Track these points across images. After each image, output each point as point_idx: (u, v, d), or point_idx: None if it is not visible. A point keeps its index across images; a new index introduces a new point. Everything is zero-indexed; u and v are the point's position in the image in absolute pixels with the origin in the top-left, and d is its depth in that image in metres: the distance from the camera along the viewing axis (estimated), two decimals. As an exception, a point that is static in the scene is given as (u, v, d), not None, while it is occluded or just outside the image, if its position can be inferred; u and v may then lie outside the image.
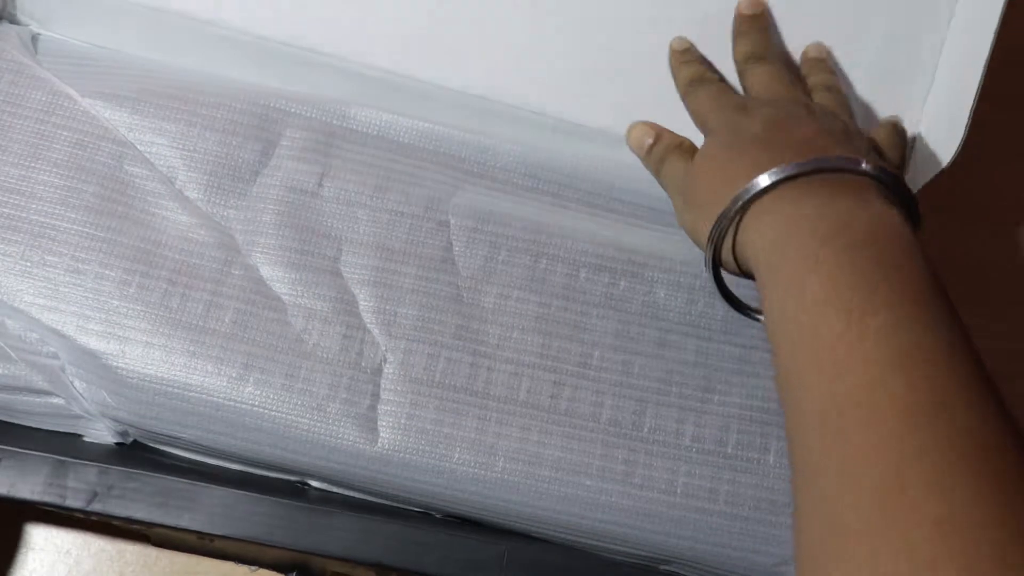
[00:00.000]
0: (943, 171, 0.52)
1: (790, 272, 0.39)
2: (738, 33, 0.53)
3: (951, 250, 0.59)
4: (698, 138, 0.51)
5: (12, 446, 0.46)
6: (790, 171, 0.41)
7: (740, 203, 0.43)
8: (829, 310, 0.37)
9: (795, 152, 0.42)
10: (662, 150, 0.51)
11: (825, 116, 0.46)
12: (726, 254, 0.45)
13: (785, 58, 0.53)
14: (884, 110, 0.55)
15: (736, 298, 0.48)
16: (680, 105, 0.53)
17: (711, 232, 0.44)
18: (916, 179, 0.54)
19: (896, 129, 0.52)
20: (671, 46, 0.54)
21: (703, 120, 0.50)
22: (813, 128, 0.44)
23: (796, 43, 0.54)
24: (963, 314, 0.58)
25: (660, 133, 0.51)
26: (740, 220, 0.43)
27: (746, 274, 0.45)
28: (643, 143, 0.52)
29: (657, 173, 0.51)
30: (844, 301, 0.37)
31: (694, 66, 0.53)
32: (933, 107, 0.55)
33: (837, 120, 0.46)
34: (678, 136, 0.51)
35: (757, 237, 0.42)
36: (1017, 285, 0.59)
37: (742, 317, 0.51)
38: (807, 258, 0.39)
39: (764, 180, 0.42)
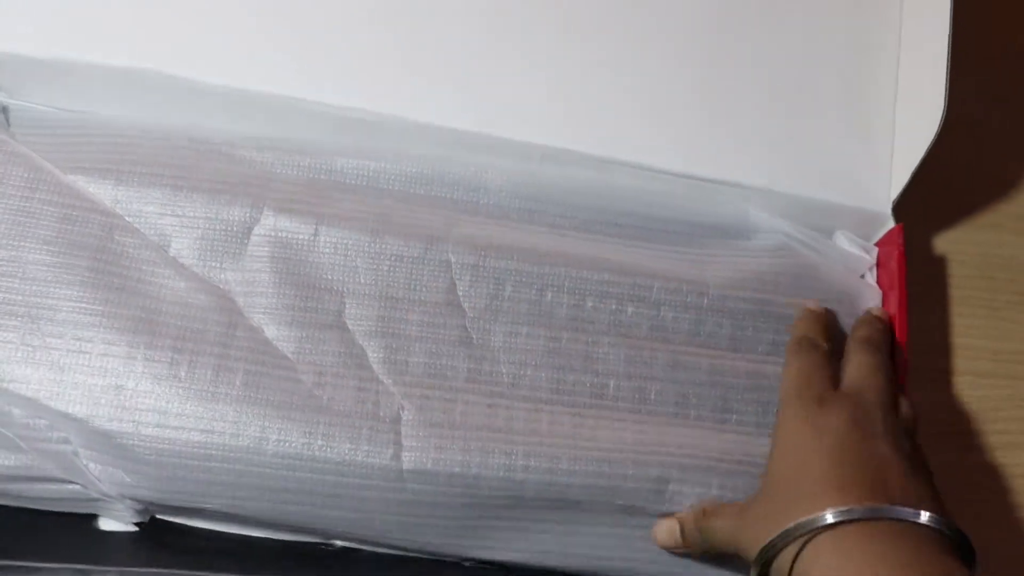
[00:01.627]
0: (935, 170, 0.53)
1: None
2: (860, 321, 0.53)
3: (952, 250, 0.60)
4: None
5: (28, 560, 0.45)
6: (857, 515, 0.42)
7: (798, 534, 0.43)
8: None
9: (862, 490, 0.43)
10: (693, 527, 0.48)
11: (898, 438, 0.46)
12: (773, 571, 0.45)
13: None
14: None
15: None
16: (666, 128, 0.54)
17: (761, 551, 0.44)
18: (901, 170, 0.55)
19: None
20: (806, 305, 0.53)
21: (784, 389, 0.49)
22: (883, 460, 0.45)
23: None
24: (964, 314, 0.60)
25: (682, 517, 0.49)
26: (795, 544, 0.43)
27: None
28: (674, 533, 0.49)
29: (705, 548, 0.48)
30: None
31: (811, 328, 0.52)
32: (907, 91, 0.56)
33: (904, 445, 0.46)
34: (696, 507, 0.49)
35: (815, 571, 0.42)
36: (1018, 285, 0.60)
37: (751, 332, 0.52)
38: None
39: (829, 517, 0.42)
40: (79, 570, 0.45)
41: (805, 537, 0.43)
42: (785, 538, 0.43)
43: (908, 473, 0.45)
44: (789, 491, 0.45)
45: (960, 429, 0.51)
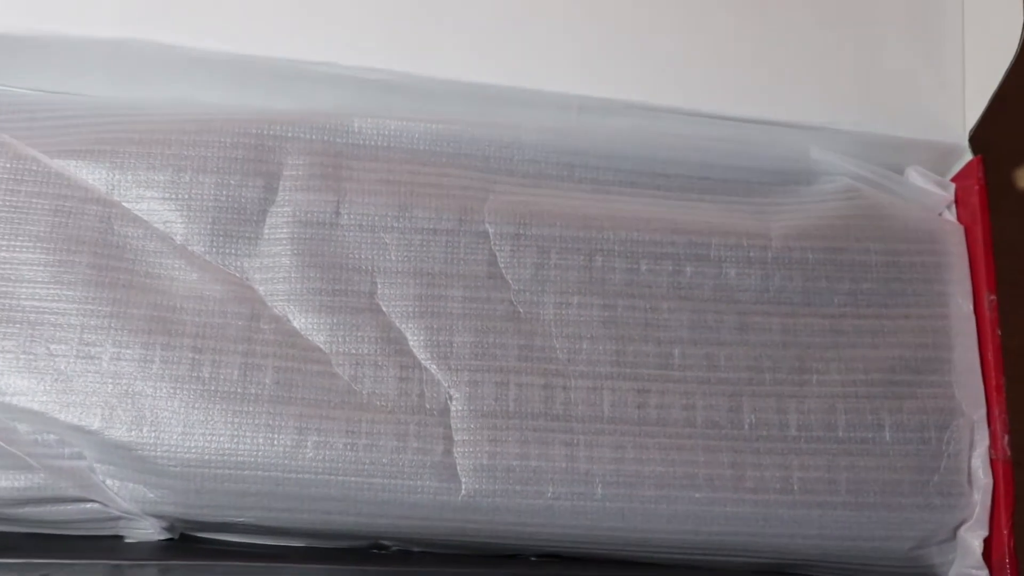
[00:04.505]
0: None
1: None
2: None
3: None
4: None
5: (58, 558, 0.42)
6: None
7: None
8: None
9: None
10: None
11: None
12: None
13: None
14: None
15: None
16: (713, 67, 0.50)
17: None
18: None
19: None
20: None
21: None
22: None
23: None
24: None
25: None
26: None
27: None
28: None
29: None
30: None
31: None
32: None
33: None
34: None
35: None
36: (1019, 288, 0.57)
37: (824, 283, 0.48)
38: None
39: None
40: (114, 566, 0.42)
41: None
42: None
43: None
44: None
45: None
